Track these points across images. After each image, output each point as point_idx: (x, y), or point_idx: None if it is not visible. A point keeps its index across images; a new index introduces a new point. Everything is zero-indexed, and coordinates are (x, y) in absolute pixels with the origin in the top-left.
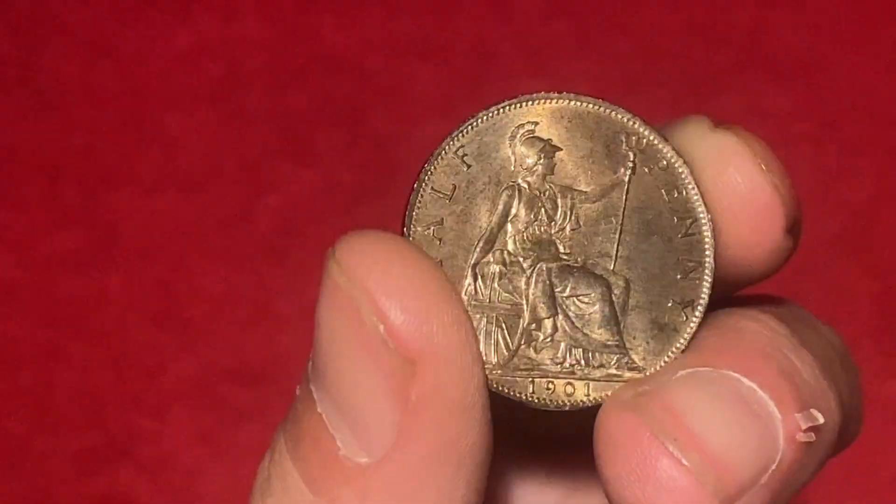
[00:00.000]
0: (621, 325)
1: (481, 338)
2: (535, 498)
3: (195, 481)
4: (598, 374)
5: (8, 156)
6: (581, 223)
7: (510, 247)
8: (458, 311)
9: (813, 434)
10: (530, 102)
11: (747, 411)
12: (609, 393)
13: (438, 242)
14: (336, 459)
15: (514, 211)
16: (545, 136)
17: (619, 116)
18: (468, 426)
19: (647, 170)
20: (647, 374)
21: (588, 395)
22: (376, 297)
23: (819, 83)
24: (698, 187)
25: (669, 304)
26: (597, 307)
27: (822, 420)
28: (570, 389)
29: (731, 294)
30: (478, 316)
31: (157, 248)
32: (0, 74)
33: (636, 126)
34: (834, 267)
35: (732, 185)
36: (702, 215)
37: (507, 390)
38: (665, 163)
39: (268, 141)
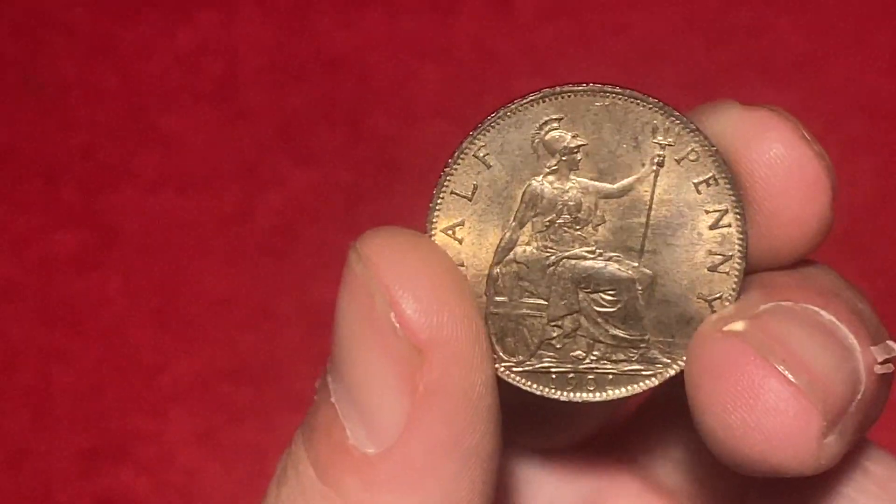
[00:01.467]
0: (644, 321)
1: (504, 336)
2: (557, 499)
3: (195, 481)
4: (620, 368)
5: (8, 156)
6: (606, 219)
7: (532, 246)
8: (469, 307)
9: (891, 365)
10: (554, 97)
11: (835, 341)
12: (631, 386)
13: (459, 243)
14: (345, 448)
15: (536, 209)
16: (570, 131)
17: (648, 107)
18: (475, 421)
19: (676, 162)
20: (671, 370)
21: (610, 388)
22: (390, 286)
23: (819, 83)
24: (735, 172)
25: (696, 298)
26: (620, 304)
27: None
28: (591, 386)
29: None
30: (499, 314)
31: (156, 248)
32: (0, 74)
33: (664, 117)
34: (834, 266)
35: (778, 158)
36: (735, 206)
37: (528, 385)
38: (696, 155)
39: (268, 141)
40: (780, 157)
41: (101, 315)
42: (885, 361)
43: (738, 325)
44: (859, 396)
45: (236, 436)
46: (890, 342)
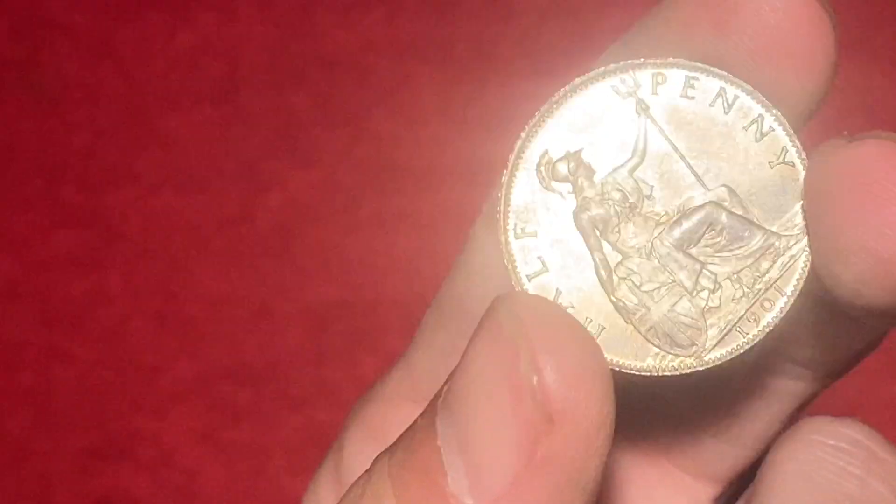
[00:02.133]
0: (753, 223)
1: (671, 334)
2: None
3: (195, 481)
4: (763, 266)
5: (8, 155)
6: (651, 183)
7: (619, 255)
8: (606, 389)
9: None
10: (530, 134)
11: None
12: (795, 281)
13: (555, 292)
14: (442, 495)
15: (597, 226)
16: (562, 152)
17: (610, 57)
18: (576, 499)
19: (667, 100)
20: (803, 236)
21: (784, 304)
22: (538, 350)
23: None
24: (721, 44)
25: (777, 186)
26: (724, 229)
27: None
28: (757, 315)
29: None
30: (652, 325)
31: (157, 248)
32: (0, 74)
33: (632, 70)
34: None
35: (778, 4)
36: (767, 109)
37: (725, 354)
38: (692, 81)
39: (268, 141)
40: (783, 4)
41: (102, 315)
42: None
43: (874, 133)
44: None
45: (236, 436)
46: None
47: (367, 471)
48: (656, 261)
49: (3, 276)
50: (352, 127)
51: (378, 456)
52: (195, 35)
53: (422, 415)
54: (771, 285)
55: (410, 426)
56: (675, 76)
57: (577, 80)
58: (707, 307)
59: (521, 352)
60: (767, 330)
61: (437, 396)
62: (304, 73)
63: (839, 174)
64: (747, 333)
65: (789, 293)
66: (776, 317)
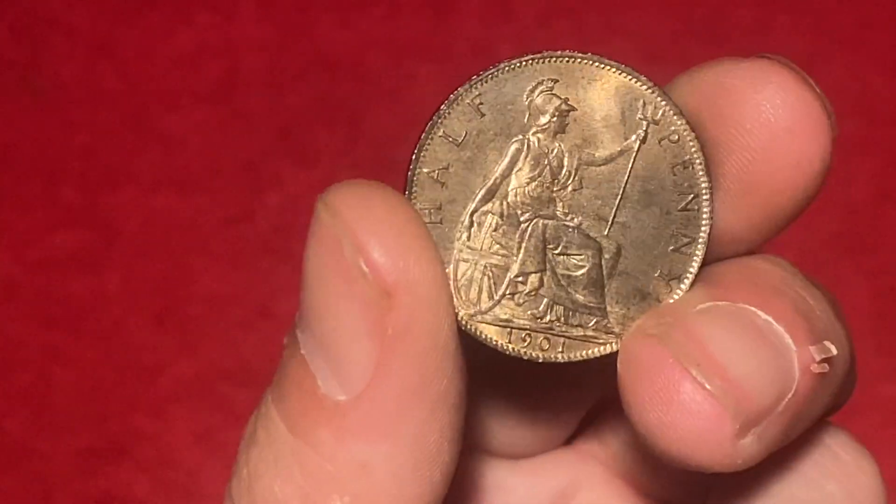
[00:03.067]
0: (605, 289)
1: (469, 283)
2: (520, 442)
3: (195, 481)
4: (574, 332)
5: (8, 155)
6: (583, 185)
7: (510, 199)
8: (433, 254)
9: (826, 365)
10: (553, 59)
11: (765, 342)
12: (583, 353)
13: (441, 186)
14: (316, 398)
15: (519, 164)
16: (562, 95)
17: (639, 84)
18: (442, 366)
19: (657, 141)
20: (620, 342)
21: (562, 352)
22: (358, 233)
23: (818, 83)
24: (732, 123)
25: (657, 275)
26: (585, 268)
27: (835, 351)
28: (545, 344)
29: (761, 243)
30: (468, 261)
31: (156, 248)
32: (0, 74)
33: (654, 96)
34: (833, 267)
35: (781, 100)
36: (706, 192)
37: (484, 335)
38: (677, 137)
39: (268, 141)
40: (779, 102)
41: (101, 315)
42: (823, 361)
43: (663, 328)
44: (790, 395)
45: (236, 436)
46: (827, 343)
47: (256, 407)
48: (521, 229)
49: (3, 276)
50: (352, 127)
51: (265, 392)
52: (195, 35)
53: (287, 335)
54: (560, 333)
55: (283, 346)
56: (670, 120)
57: (616, 64)
58: (511, 293)
59: (343, 240)
60: (500, 350)
61: (297, 313)
62: (304, 73)
63: (627, 372)
64: (487, 338)
65: (562, 357)
66: (521, 354)
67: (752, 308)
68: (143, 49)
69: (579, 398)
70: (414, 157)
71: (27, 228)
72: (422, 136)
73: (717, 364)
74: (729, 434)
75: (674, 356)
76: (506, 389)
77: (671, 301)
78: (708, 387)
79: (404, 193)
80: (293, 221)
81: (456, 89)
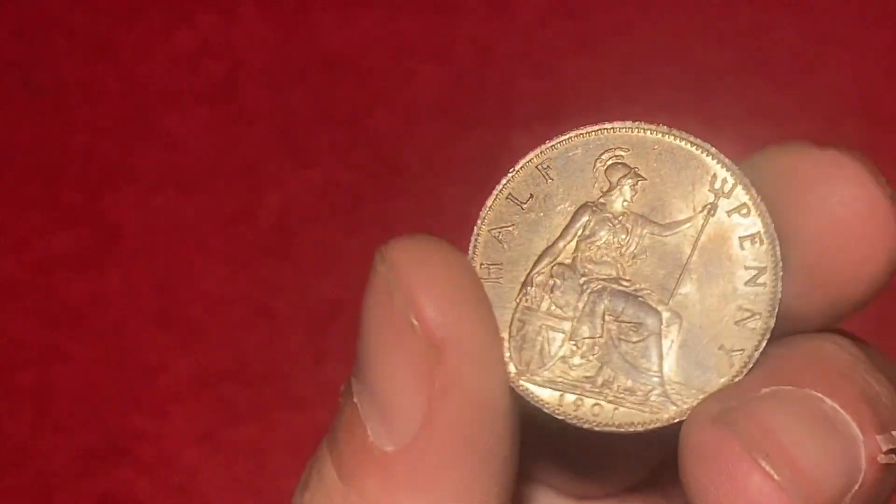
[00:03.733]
0: (664, 360)
1: (524, 343)
2: (584, 486)
3: (194, 480)
4: (628, 401)
5: (8, 155)
6: (648, 253)
7: (573, 263)
8: (485, 310)
9: (894, 456)
10: (624, 129)
11: (833, 431)
12: (637, 421)
13: (503, 246)
14: (365, 447)
15: (584, 230)
16: (632, 164)
17: (710, 158)
18: (490, 423)
19: (727, 214)
20: (682, 411)
21: (614, 419)
22: (410, 286)
23: (818, 84)
24: (788, 224)
25: (718, 348)
26: (643, 339)
27: None
28: (597, 410)
29: (837, 323)
30: (525, 321)
31: (157, 248)
32: (0, 74)
33: (726, 169)
34: None
35: (849, 197)
36: (775, 267)
37: (534, 396)
38: (747, 211)
39: (268, 141)
40: (852, 197)
41: (102, 315)
42: (890, 451)
43: (729, 414)
44: (857, 487)
45: (236, 436)
46: (895, 433)
47: (317, 448)
48: (583, 294)
49: (4, 276)
50: (352, 127)
51: (324, 437)
52: (195, 35)
53: (345, 382)
54: (613, 400)
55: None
56: (740, 194)
57: (688, 136)
58: (564, 357)
59: (395, 293)
60: (551, 413)
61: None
62: (304, 73)
63: (692, 456)
64: (546, 404)
65: (611, 426)
66: (567, 418)
67: (818, 394)
68: (144, 49)
69: (632, 463)
70: (481, 215)
71: (27, 228)
72: (489, 199)
73: (786, 453)
74: None
75: (742, 445)
76: (559, 447)
77: (734, 381)
78: (777, 478)
79: (467, 252)
80: (293, 221)
81: (526, 154)
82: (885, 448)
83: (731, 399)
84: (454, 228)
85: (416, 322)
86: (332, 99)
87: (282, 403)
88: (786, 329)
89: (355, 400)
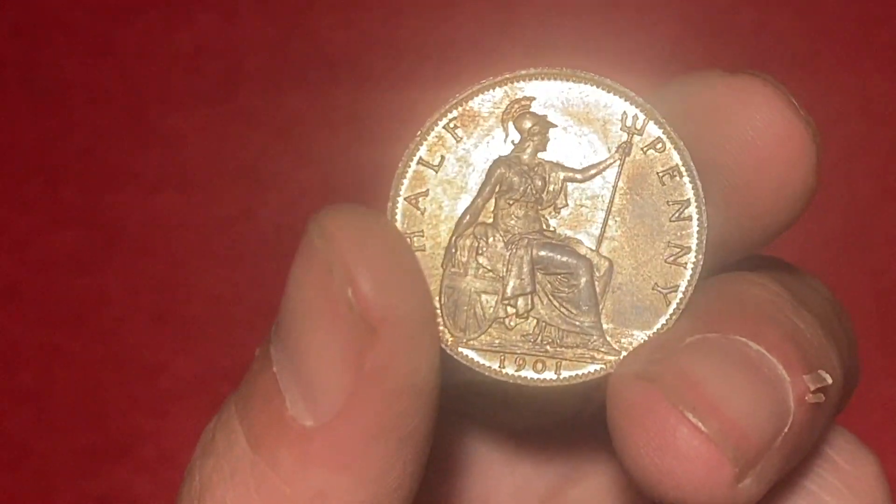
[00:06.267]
0: (600, 307)
1: (456, 309)
2: (525, 485)
3: None
4: (570, 353)
5: (9, 156)
6: (569, 202)
7: (494, 221)
8: (424, 291)
9: (822, 395)
10: (527, 78)
11: (759, 376)
12: (579, 372)
13: (420, 213)
14: (282, 419)
15: (501, 185)
16: (540, 112)
17: (619, 96)
18: (414, 406)
19: (642, 151)
20: (622, 355)
21: (558, 373)
22: (350, 262)
23: (818, 83)
24: (707, 153)
25: (652, 288)
26: (576, 287)
27: (829, 381)
28: (539, 367)
29: (753, 252)
30: (454, 287)
31: (157, 248)
32: (0, 74)
33: (636, 106)
34: (834, 266)
35: (763, 122)
36: (697, 198)
37: (475, 362)
38: (662, 145)
39: (268, 141)
40: (766, 122)
41: (102, 315)
42: (818, 391)
43: (654, 368)
44: (786, 429)
45: None
46: (822, 372)
47: (217, 412)
48: (508, 251)
49: (4, 276)
50: (352, 127)
51: (227, 397)
52: (195, 35)
53: (259, 346)
54: (554, 354)
55: (253, 358)
56: (653, 130)
57: (593, 77)
58: (501, 318)
59: (333, 268)
60: (493, 377)
61: (272, 327)
62: (304, 73)
63: (618, 414)
64: (489, 366)
65: (557, 379)
66: (514, 378)
67: (744, 339)
68: (144, 49)
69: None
70: (393, 185)
71: (28, 228)
72: (399, 164)
73: (713, 405)
74: (728, 478)
75: (667, 399)
76: (497, 420)
77: (670, 320)
78: (704, 430)
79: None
80: (293, 221)
81: (429, 117)
82: (812, 387)
83: (655, 351)
84: None
85: (353, 298)
86: (332, 99)
87: None
88: (716, 259)
89: (274, 369)
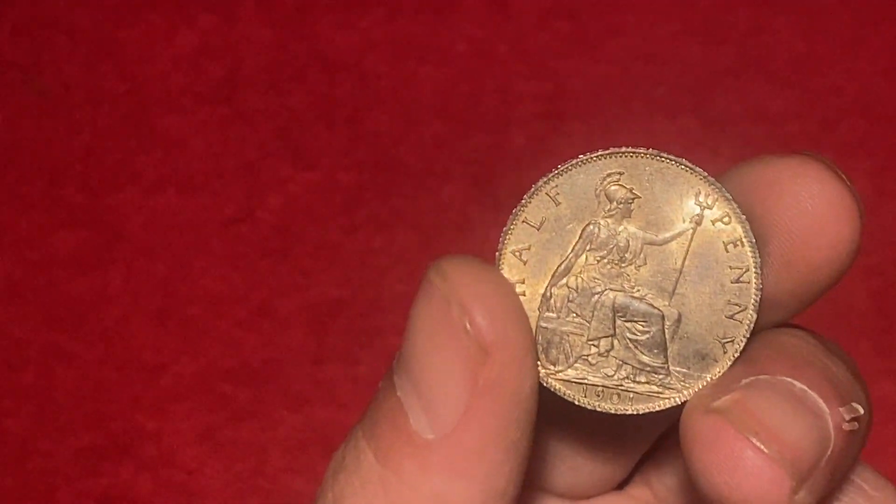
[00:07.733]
0: (668, 352)
1: (548, 347)
2: (579, 483)
3: (195, 480)
4: (641, 389)
5: (10, 156)
6: (647, 262)
7: (583, 275)
8: (525, 323)
9: (856, 423)
10: (619, 155)
11: (805, 408)
12: (648, 405)
13: (523, 264)
14: (406, 434)
15: (591, 245)
16: (627, 185)
17: (695, 174)
18: (520, 418)
19: (712, 223)
20: (683, 396)
21: (631, 406)
22: (465, 297)
23: (817, 83)
24: (763, 228)
25: (713, 339)
26: (649, 334)
27: (861, 411)
28: (615, 399)
29: (803, 309)
30: (547, 328)
31: (157, 248)
32: (1, 74)
33: (708, 184)
34: None
35: (817, 195)
36: (756, 267)
37: (563, 392)
38: (728, 219)
39: (268, 141)
40: (819, 195)
41: (103, 315)
42: (852, 420)
43: (719, 404)
44: (828, 453)
45: (236, 435)
46: (855, 404)
47: (344, 440)
48: (594, 299)
49: (5, 276)
50: (352, 127)
51: (352, 427)
52: (195, 36)
53: (382, 380)
54: (628, 389)
55: (375, 394)
56: (721, 205)
57: (675, 158)
58: (585, 355)
59: (452, 302)
60: (577, 404)
61: (394, 361)
62: (304, 73)
63: (693, 442)
64: (574, 396)
65: (631, 409)
66: (595, 406)
67: (789, 379)
68: (145, 50)
69: (633, 447)
70: (501, 239)
71: (29, 228)
72: (507, 222)
73: (772, 431)
74: (787, 490)
75: (734, 427)
76: (573, 435)
77: (726, 369)
78: (766, 451)
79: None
80: (293, 221)
81: (535, 182)
82: (847, 417)
83: (718, 391)
84: (454, 229)
85: (469, 326)
86: (332, 99)
87: (282, 403)
88: (768, 316)
89: (399, 394)
